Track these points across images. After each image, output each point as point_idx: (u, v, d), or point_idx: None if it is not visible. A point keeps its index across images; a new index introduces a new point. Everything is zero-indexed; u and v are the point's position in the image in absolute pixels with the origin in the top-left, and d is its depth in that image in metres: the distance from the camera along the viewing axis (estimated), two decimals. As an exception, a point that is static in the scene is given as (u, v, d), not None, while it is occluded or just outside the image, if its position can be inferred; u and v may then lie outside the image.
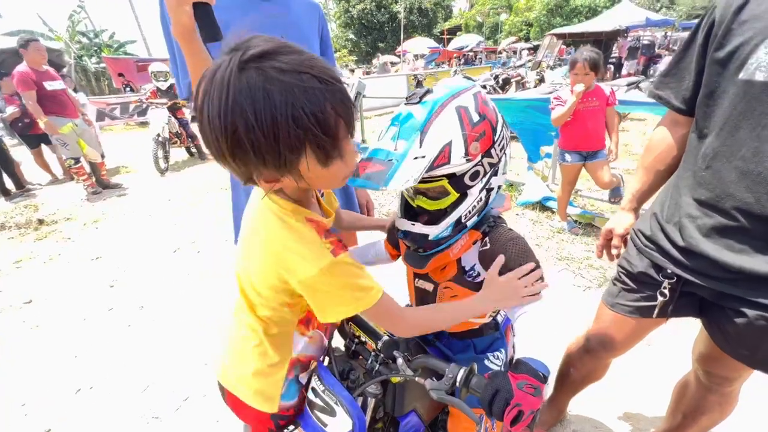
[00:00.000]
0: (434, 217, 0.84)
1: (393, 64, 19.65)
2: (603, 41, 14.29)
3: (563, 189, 3.06)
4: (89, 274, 3.08)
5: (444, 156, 0.73)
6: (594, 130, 2.72)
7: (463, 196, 0.81)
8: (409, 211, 0.91)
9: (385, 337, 0.87)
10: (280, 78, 0.50)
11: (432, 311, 0.81)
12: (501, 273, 0.81)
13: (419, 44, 23.91)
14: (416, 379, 0.77)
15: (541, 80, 10.36)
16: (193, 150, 6.69)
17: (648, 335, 1.12)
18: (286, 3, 1.22)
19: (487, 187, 0.82)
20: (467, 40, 24.30)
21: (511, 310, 0.85)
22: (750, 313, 0.81)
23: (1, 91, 5.55)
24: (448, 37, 29.33)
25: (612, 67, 12.62)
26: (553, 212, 3.46)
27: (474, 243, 0.88)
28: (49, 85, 4.23)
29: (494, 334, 1.04)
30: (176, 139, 6.19)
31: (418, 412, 0.92)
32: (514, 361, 0.75)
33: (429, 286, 0.97)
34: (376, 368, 0.84)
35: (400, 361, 0.80)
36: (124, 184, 5.42)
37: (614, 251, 1.15)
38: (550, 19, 24.70)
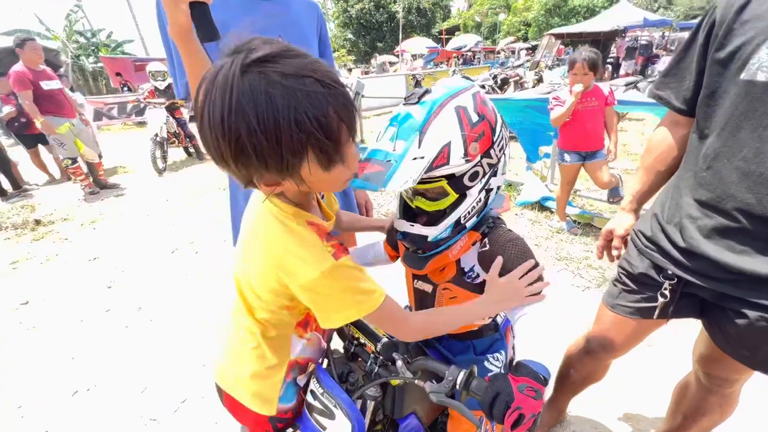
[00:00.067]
0: (433, 218, 0.84)
1: (391, 63, 19.65)
2: (601, 41, 14.34)
3: (562, 189, 3.06)
4: (86, 274, 3.07)
5: (443, 156, 0.72)
6: (593, 130, 2.72)
7: (463, 196, 0.80)
8: (407, 212, 0.91)
9: (385, 339, 0.87)
10: (282, 82, 0.49)
11: (435, 315, 0.81)
12: (501, 275, 0.80)
13: (418, 44, 23.93)
14: (416, 381, 0.76)
15: (540, 80, 10.37)
16: (191, 150, 6.67)
17: (648, 336, 1.12)
18: (285, 2, 1.21)
19: (486, 187, 0.82)
20: (465, 40, 24.35)
21: (512, 312, 0.84)
22: (751, 314, 0.81)
23: (-2, 91, 5.52)
24: (446, 37, 29.38)
25: (610, 67, 12.66)
26: (551, 212, 3.46)
27: (473, 244, 0.87)
28: (46, 85, 4.21)
29: (494, 335, 1.03)
30: (174, 138, 6.18)
31: (418, 415, 0.92)
32: (514, 362, 0.74)
33: (428, 288, 0.96)
34: (376, 370, 0.84)
35: (399, 363, 0.79)
36: (122, 185, 5.40)
37: (615, 252, 1.15)
38: (549, 19, 24.76)
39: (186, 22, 0.87)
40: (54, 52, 8.50)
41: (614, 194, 2.95)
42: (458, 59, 20.80)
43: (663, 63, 10.56)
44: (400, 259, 1.01)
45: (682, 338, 1.57)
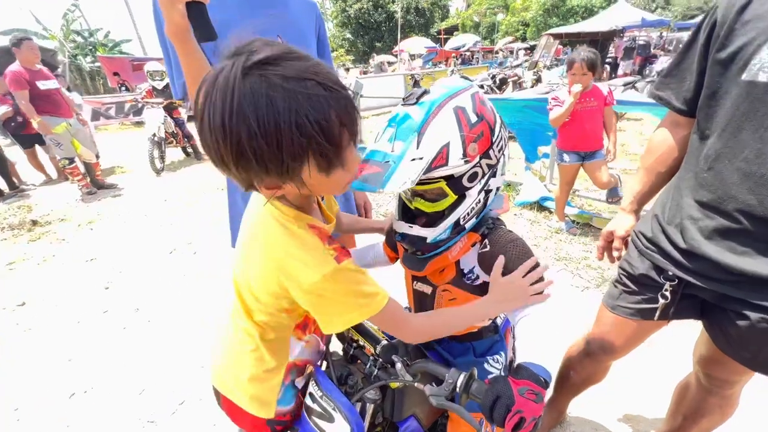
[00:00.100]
0: (432, 219, 0.83)
1: (390, 63, 19.63)
2: (599, 41, 14.33)
3: (561, 189, 3.05)
4: (84, 275, 3.05)
5: (442, 157, 0.72)
6: (592, 130, 2.72)
7: (462, 197, 0.80)
8: (406, 213, 0.90)
9: (384, 342, 0.86)
10: (284, 85, 0.49)
11: (439, 316, 0.80)
12: (502, 275, 0.80)
13: (416, 44, 23.90)
14: (415, 384, 0.75)
15: (538, 80, 10.36)
16: (189, 150, 6.65)
17: (648, 337, 1.11)
18: (284, 2, 1.20)
19: (485, 188, 0.81)
20: (464, 40, 24.37)
21: (512, 313, 0.84)
22: (752, 315, 0.81)
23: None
24: (445, 36, 29.40)
25: (608, 67, 12.67)
26: (550, 212, 3.46)
27: (473, 245, 0.87)
28: (43, 85, 4.18)
29: (493, 337, 1.03)
30: (172, 138, 6.16)
31: (418, 417, 0.91)
32: (514, 364, 0.74)
33: (427, 289, 0.96)
34: (375, 373, 0.83)
35: (399, 365, 0.79)
36: (120, 185, 5.37)
37: (615, 253, 1.14)
38: (547, 19, 24.80)
39: (183, 21, 0.86)
40: (51, 52, 8.47)
41: (613, 194, 2.95)
42: (457, 59, 20.80)
43: (661, 63, 10.57)
44: (399, 260, 1.00)
45: (682, 339, 1.57)
